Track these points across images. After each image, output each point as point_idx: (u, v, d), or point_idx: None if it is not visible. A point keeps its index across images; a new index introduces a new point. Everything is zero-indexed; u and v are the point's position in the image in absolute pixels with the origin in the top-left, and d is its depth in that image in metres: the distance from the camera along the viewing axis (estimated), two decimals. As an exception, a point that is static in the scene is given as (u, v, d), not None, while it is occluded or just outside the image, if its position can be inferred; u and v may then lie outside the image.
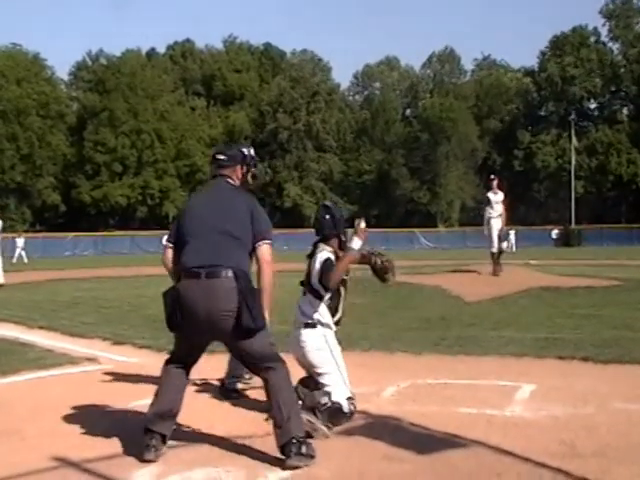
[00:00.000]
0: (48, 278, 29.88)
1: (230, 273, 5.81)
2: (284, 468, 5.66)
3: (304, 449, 5.73)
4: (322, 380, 6.75)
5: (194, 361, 6.26)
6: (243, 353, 6.00)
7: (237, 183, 6.43)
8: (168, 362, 6.26)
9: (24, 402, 8.02)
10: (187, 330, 5.97)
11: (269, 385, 5.93)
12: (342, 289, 6.96)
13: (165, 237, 6.58)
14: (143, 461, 5.82)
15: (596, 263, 33.71)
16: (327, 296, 6.82)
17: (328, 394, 6.71)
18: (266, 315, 6.02)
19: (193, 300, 5.82)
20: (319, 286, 6.76)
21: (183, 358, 6.20)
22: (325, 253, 6.85)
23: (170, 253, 6.28)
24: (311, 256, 6.93)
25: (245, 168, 6.51)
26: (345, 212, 7.48)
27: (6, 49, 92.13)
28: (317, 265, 6.78)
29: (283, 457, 5.73)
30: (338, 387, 6.74)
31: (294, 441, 5.72)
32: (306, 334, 6.75)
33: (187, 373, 6.25)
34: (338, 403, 6.67)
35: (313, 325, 6.77)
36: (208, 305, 5.78)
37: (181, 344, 6.18)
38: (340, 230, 7.02)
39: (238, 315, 5.74)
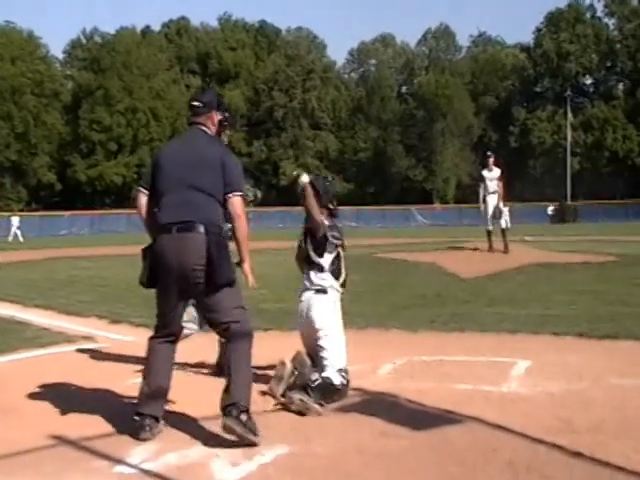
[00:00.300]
0: (44, 257, 29.85)
1: (201, 228, 5.83)
2: (222, 428, 5.73)
3: (244, 417, 5.70)
4: (322, 343, 6.87)
5: (176, 329, 6.19)
6: (212, 310, 5.95)
7: (212, 130, 6.36)
8: (153, 337, 6.22)
9: (21, 380, 8.02)
10: (162, 286, 6.00)
11: (228, 349, 5.96)
12: (341, 251, 7.17)
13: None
14: (139, 440, 5.84)
15: (592, 239, 33.72)
16: (328, 261, 7.04)
17: (320, 369, 6.77)
18: (246, 266, 6.12)
19: (165, 254, 5.87)
20: (317, 259, 7.01)
21: (167, 326, 6.11)
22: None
23: (143, 199, 6.30)
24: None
25: (221, 115, 6.42)
26: (341, 189, 7.62)
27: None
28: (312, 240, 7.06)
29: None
30: (335, 353, 6.86)
31: (235, 406, 5.73)
32: (317, 298, 6.96)
33: (173, 348, 6.22)
34: (328, 378, 6.73)
35: (324, 291, 6.99)
36: (179, 259, 5.82)
37: (160, 306, 6.12)
38: (325, 202, 7.17)
39: (207, 269, 5.77)
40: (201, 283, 5.81)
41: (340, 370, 6.85)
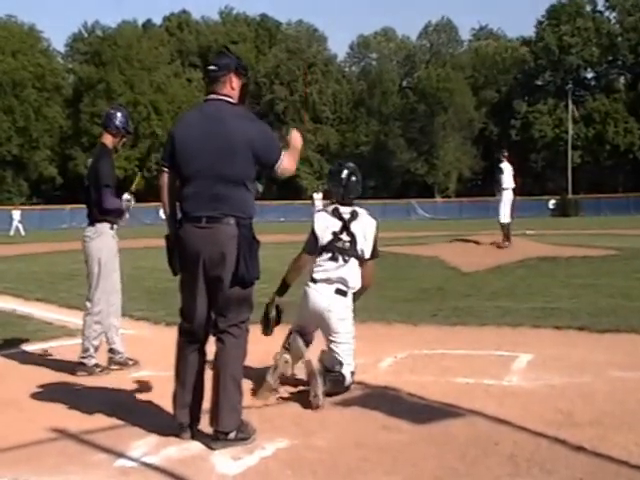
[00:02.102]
0: (46, 250, 29.79)
1: (232, 220, 5.61)
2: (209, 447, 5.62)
3: (232, 435, 5.60)
4: (336, 349, 6.83)
5: (200, 331, 5.83)
6: (220, 302, 5.69)
7: (234, 96, 5.89)
8: (179, 339, 5.93)
9: (22, 374, 8.04)
10: (186, 277, 5.78)
11: (218, 361, 5.71)
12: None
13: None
14: (182, 439, 5.74)
15: (593, 233, 33.66)
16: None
17: (340, 363, 6.75)
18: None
19: (194, 244, 5.64)
20: (367, 254, 6.95)
21: (190, 324, 5.81)
22: (374, 220, 7.08)
23: (166, 178, 5.89)
24: (346, 221, 6.98)
25: (243, 79, 5.98)
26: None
27: (0, 21, 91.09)
28: (374, 231, 7.02)
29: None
30: (349, 359, 6.86)
31: (222, 432, 5.63)
32: (338, 301, 6.86)
33: (203, 350, 5.91)
34: (344, 376, 6.74)
35: (344, 293, 6.89)
36: (209, 250, 5.60)
37: (183, 300, 5.88)
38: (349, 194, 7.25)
39: (236, 263, 5.57)
40: (224, 275, 5.60)
41: (352, 373, 6.87)
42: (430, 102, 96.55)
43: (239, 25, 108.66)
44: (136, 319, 11.48)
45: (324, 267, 6.92)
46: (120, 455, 5.40)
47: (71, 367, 8.21)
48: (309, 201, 48.11)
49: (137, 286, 15.49)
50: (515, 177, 22.02)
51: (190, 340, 5.85)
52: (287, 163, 5.92)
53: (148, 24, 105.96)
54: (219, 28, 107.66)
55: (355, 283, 6.95)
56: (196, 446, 5.58)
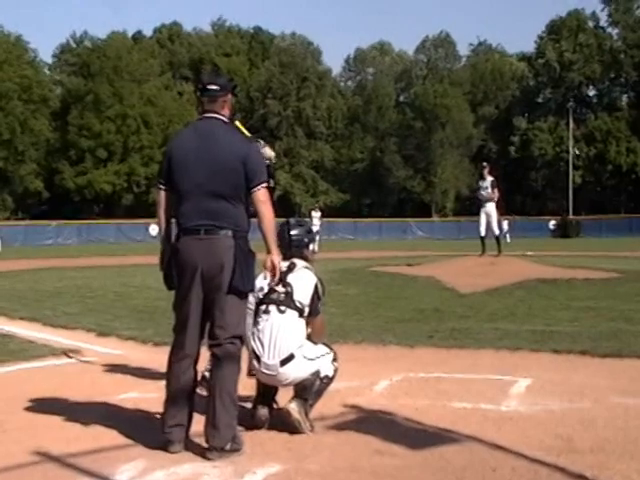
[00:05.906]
0: (30, 267, 29.51)
1: (229, 232, 5.73)
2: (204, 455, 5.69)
3: (228, 446, 5.68)
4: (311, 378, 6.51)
5: (194, 350, 5.89)
6: (217, 313, 5.76)
7: (227, 114, 6.01)
8: (171, 357, 5.96)
9: (5, 394, 7.88)
10: (182, 290, 5.85)
11: (215, 375, 5.82)
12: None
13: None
14: (170, 452, 5.76)
15: (594, 254, 33.69)
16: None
17: (317, 375, 6.47)
18: (274, 258, 5.90)
19: (192, 255, 5.74)
20: (306, 307, 6.52)
21: (183, 341, 5.85)
22: (313, 275, 6.67)
23: (162, 196, 6.01)
24: (282, 273, 6.43)
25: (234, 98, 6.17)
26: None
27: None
28: (312, 285, 6.57)
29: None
30: (324, 363, 6.50)
31: (220, 446, 5.69)
32: (288, 370, 6.36)
33: (194, 368, 5.96)
34: (326, 377, 6.47)
35: (291, 357, 6.36)
36: (207, 260, 5.72)
37: (178, 315, 5.93)
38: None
39: (232, 274, 5.70)
40: (221, 286, 5.70)
41: (333, 360, 6.59)
42: (427, 118, 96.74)
43: (232, 37, 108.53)
44: (124, 339, 11.32)
45: (260, 334, 6.43)
46: (105, 479, 5.27)
47: (55, 387, 8.08)
48: (305, 218, 47.68)
49: (125, 305, 15.34)
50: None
51: (182, 356, 5.90)
52: (263, 194, 5.90)
53: (138, 35, 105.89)
54: (211, 40, 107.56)
55: (296, 339, 6.42)
56: (185, 470, 5.45)
